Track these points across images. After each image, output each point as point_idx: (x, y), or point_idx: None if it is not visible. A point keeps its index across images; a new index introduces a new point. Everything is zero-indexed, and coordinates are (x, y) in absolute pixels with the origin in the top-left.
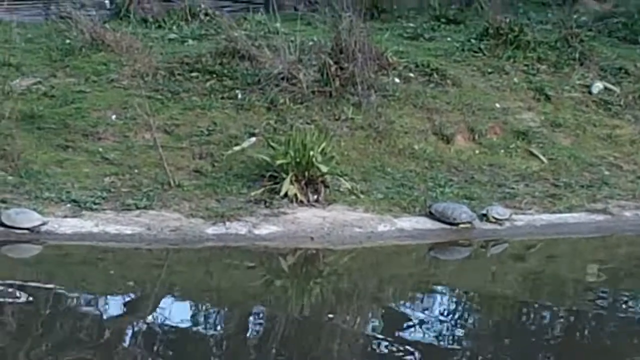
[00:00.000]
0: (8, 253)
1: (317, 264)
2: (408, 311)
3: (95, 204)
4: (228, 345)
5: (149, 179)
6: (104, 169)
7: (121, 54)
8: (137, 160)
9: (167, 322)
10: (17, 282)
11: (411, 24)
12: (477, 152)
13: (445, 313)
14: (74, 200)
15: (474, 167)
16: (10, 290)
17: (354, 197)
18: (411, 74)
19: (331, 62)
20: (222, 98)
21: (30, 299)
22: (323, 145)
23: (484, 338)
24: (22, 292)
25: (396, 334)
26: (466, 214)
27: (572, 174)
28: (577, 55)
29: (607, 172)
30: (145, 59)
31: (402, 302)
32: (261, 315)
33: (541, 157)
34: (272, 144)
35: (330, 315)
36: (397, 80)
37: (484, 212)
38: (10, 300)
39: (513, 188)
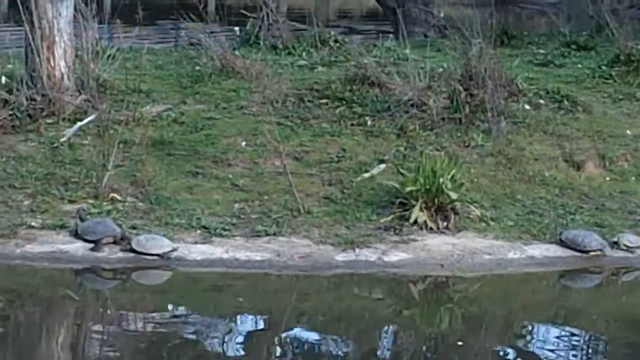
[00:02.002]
0: (138, 279)
1: (447, 291)
2: (540, 339)
3: (225, 230)
4: None
5: (279, 205)
6: (233, 195)
7: (251, 80)
8: (267, 187)
9: (297, 349)
10: (148, 309)
11: (541, 51)
12: (607, 179)
13: (579, 341)
14: (204, 227)
15: (604, 194)
16: (140, 317)
17: (483, 224)
18: (541, 101)
19: (461, 89)
20: (352, 125)
21: (160, 325)
22: (453, 172)
23: None
24: (152, 319)
25: None
26: (597, 242)
27: None
28: None
29: None
30: (275, 85)
31: (533, 330)
32: (391, 342)
33: None
34: (401, 170)
35: (460, 343)
36: (527, 106)
37: (615, 239)
38: (141, 327)
39: None
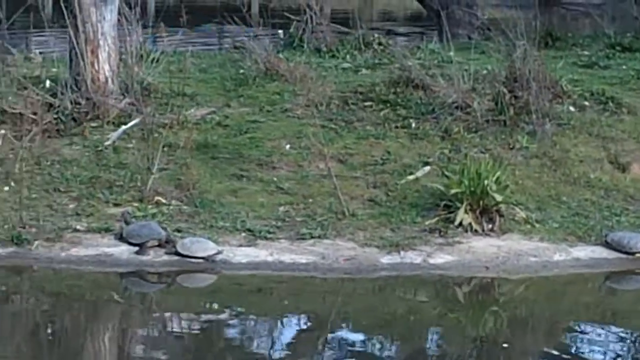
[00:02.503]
0: (183, 282)
1: (492, 293)
2: (585, 341)
3: (269, 233)
4: None
5: (323, 208)
6: (278, 198)
7: (295, 83)
8: (312, 190)
9: (339, 353)
10: (193, 312)
11: (586, 52)
12: None
13: (625, 343)
14: (249, 230)
15: None
16: (185, 320)
17: (528, 226)
18: (586, 103)
19: (505, 91)
20: (396, 127)
21: (206, 328)
22: (497, 174)
23: None
24: (197, 322)
25: None
26: None
27: None
28: None
29: None
30: (319, 88)
31: (579, 332)
32: (436, 344)
33: None
34: (446, 173)
35: (506, 345)
36: (572, 108)
37: None
38: (186, 330)
39: None
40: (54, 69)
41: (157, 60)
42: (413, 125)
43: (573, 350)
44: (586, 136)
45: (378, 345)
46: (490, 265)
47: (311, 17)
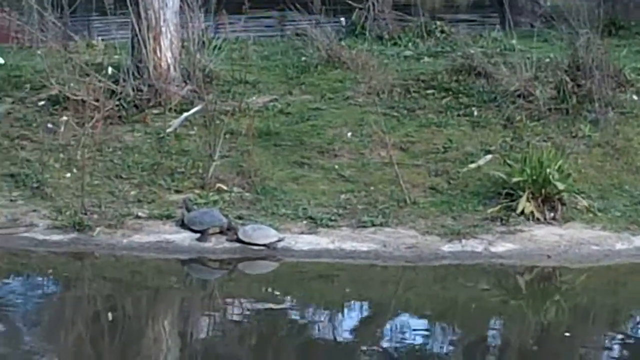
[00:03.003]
0: (245, 270)
1: (554, 282)
2: None
3: (331, 220)
4: None
5: (385, 196)
6: (339, 186)
7: (357, 71)
8: (373, 178)
9: (401, 340)
10: (254, 299)
11: None
12: None
13: None
14: (310, 217)
15: None
16: (246, 307)
17: (590, 215)
18: None
19: (568, 79)
20: (458, 115)
21: (267, 315)
22: (559, 162)
23: None
24: (258, 309)
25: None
26: None
27: None
28: None
29: None
30: (381, 76)
31: None
32: (498, 332)
33: None
34: (508, 161)
35: (568, 334)
36: (635, 97)
37: None
38: (248, 317)
39: None
40: (116, 56)
41: (219, 48)
42: (475, 113)
43: (634, 340)
44: None
45: (440, 333)
46: (552, 254)
47: (373, 4)
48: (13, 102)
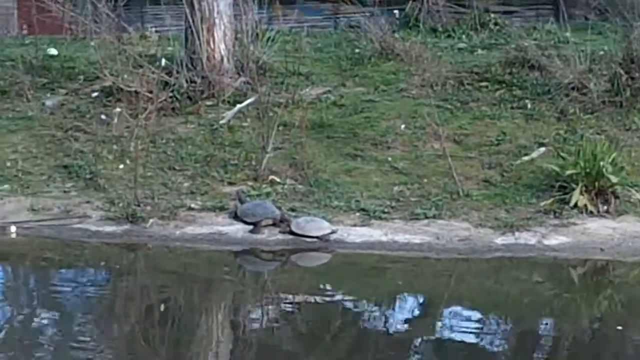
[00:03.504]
0: (298, 261)
1: (607, 275)
2: None
3: (384, 212)
4: (515, 358)
5: (438, 188)
6: (392, 178)
7: (410, 63)
8: (426, 170)
9: (454, 333)
10: (307, 291)
11: None
12: None
13: None
14: (363, 209)
15: None
16: (299, 299)
17: None
18: None
19: (622, 72)
20: (512, 108)
21: (320, 307)
22: (613, 155)
23: None
24: (311, 301)
25: None
26: None
27: None
28: None
29: None
30: (435, 68)
31: None
32: (551, 325)
33: None
34: (561, 154)
35: (620, 327)
36: None
37: None
38: (301, 308)
39: None
40: (170, 47)
41: (273, 39)
42: (529, 105)
43: None
44: None
45: (493, 326)
46: (605, 247)
47: None
48: (66, 94)
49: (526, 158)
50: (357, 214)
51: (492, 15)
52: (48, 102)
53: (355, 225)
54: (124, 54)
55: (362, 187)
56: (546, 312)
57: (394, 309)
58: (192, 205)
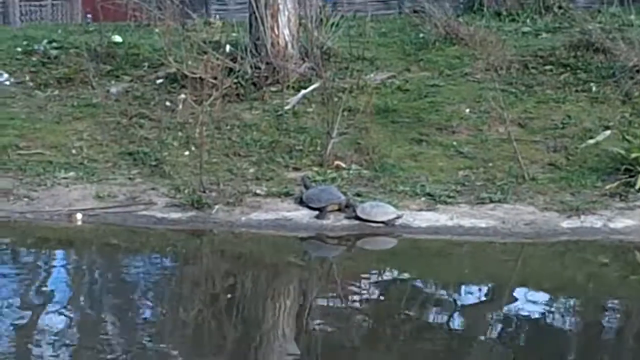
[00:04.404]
0: (365, 246)
1: None
2: None
3: (449, 197)
4: (581, 341)
5: (503, 172)
6: (458, 162)
7: (475, 47)
8: (491, 154)
9: (520, 316)
10: (374, 276)
11: None
12: None
13: None
14: (429, 194)
15: None
16: (366, 284)
17: None
18: None
19: None
20: (576, 91)
21: (387, 292)
22: None
23: None
24: (378, 286)
25: None
26: None
27: None
28: None
29: None
30: (499, 52)
31: None
32: (616, 310)
33: None
34: (627, 137)
35: None
36: None
37: None
38: (367, 293)
39: None
40: (234, 34)
41: (337, 25)
42: (593, 89)
43: None
44: None
45: (559, 310)
46: None
47: None
48: (131, 80)
49: (591, 141)
50: (423, 198)
51: None
52: (113, 89)
53: (420, 210)
54: (188, 40)
55: (427, 172)
56: (613, 295)
57: (461, 293)
58: (258, 191)
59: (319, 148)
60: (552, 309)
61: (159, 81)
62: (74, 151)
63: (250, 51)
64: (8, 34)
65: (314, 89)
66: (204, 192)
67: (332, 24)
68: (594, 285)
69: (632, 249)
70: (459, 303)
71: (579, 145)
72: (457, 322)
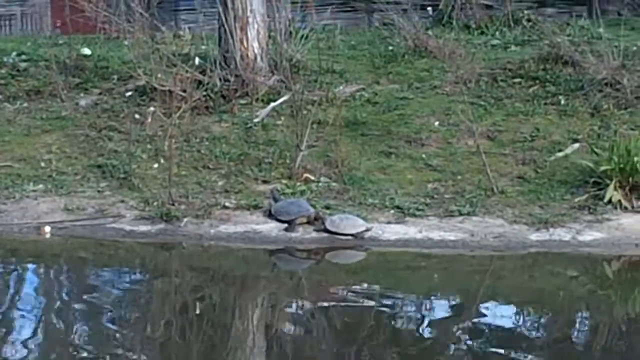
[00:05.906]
0: (332, 259)
1: None
2: None
3: (418, 210)
4: (549, 354)
5: (472, 185)
6: (427, 175)
7: (444, 60)
8: (460, 167)
9: (488, 328)
10: (342, 289)
11: None
12: None
13: None
14: (398, 207)
15: None
16: (335, 297)
17: None
18: None
19: None
20: (545, 104)
21: (355, 305)
22: None
23: None
24: (347, 299)
25: None
26: None
27: None
28: None
29: None
30: (468, 65)
31: None
32: (586, 321)
33: None
34: (595, 149)
35: None
36: None
37: None
38: (335, 306)
39: None
40: (203, 46)
41: (306, 37)
42: (562, 102)
43: None
44: None
45: (528, 322)
46: None
47: None
48: (100, 93)
49: (560, 154)
50: (392, 211)
51: (525, 11)
52: (82, 102)
53: (389, 223)
54: (158, 53)
55: (396, 185)
56: (581, 307)
57: (429, 306)
58: (227, 204)
59: (288, 161)
60: (520, 322)
61: (128, 94)
62: (42, 164)
63: (220, 64)
64: None
65: (283, 102)
66: (173, 204)
67: (302, 36)
68: (563, 297)
69: (600, 262)
70: (427, 316)
71: (548, 158)
72: (425, 334)
